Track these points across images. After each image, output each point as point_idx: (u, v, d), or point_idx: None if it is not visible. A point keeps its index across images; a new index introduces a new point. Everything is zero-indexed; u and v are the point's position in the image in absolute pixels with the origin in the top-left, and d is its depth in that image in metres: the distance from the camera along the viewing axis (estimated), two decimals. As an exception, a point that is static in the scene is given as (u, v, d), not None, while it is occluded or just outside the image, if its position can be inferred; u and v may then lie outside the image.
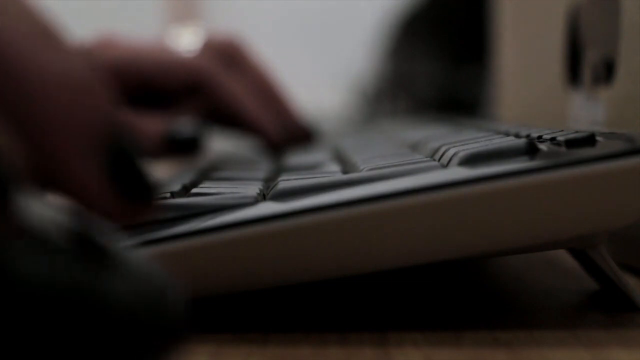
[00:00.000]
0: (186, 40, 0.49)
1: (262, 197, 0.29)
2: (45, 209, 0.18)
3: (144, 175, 0.21)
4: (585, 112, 0.40)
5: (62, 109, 0.21)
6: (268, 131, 0.50)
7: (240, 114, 0.49)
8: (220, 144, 0.62)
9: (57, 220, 0.18)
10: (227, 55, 0.50)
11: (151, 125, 0.47)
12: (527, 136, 0.32)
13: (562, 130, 0.31)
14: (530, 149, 0.28)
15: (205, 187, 0.30)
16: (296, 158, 0.39)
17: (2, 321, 0.16)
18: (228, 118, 0.49)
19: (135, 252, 0.19)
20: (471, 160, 0.27)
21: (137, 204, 0.21)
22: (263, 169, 0.36)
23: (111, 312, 0.17)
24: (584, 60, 0.40)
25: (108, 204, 0.21)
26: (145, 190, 0.21)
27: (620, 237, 0.35)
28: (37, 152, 0.21)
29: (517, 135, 0.33)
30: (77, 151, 0.21)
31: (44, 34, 0.22)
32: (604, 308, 0.29)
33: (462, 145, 0.30)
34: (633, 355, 0.24)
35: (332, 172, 0.32)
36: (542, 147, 0.28)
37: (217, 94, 0.49)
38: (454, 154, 0.28)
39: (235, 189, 0.29)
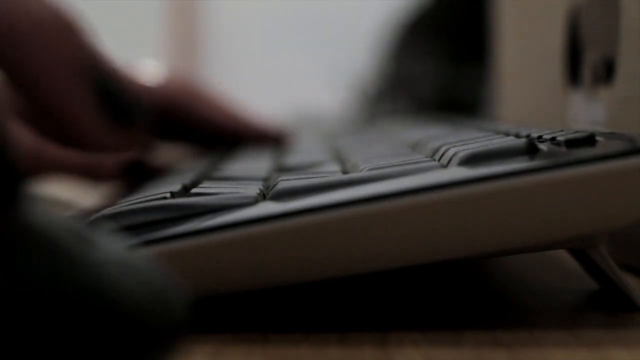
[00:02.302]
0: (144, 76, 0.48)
1: (262, 197, 0.29)
2: (50, 207, 0.18)
3: (127, 100, 0.22)
4: (585, 112, 0.40)
5: (45, 44, 0.22)
6: (269, 128, 0.50)
7: (234, 123, 0.49)
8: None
9: (62, 218, 0.18)
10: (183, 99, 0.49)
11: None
12: (527, 136, 0.32)
13: (562, 130, 0.31)
14: (530, 149, 0.28)
15: (205, 187, 0.30)
16: (296, 158, 0.39)
17: (8, 319, 0.16)
18: (217, 132, 0.49)
19: (137, 251, 0.19)
20: (471, 160, 0.27)
21: (124, 128, 0.22)
22: (263, 168, 0.36)
23: (114, 310, 0.17)
24: (584, 60, 0.40)
25: (97, 130, 0.22)
26: (130, 114, 0.22)
27: (620, 237, 0.35)
28: (30, 90, 0.22)
29: (517, 135, 0.33)
30: (63, 81, 0.22)
31: None
32: (604, 308, 0.29)
33: (462, 145, 0.30)
34: (633, 355, 0.24)
35: (332, 172, 0.32)
36: (542, 147, 0.28)
37: (198, 110, 0.48)
38: (454, 154, 0.28)
39: (235, 189, 0.29)
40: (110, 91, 0.23)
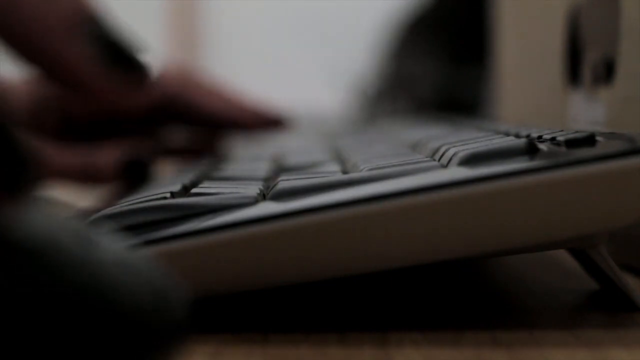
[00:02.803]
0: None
1: (262, 197, 0.29)
2: (50, 207, 0.18)
3: (129, 49, 0.23)
4: (585, 112, 0.40)
5: (37, 0, 0.22)
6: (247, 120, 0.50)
7: (218, 116, 0.49)
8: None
9: (62, 218, 0.18)
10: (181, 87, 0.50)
11: (109, 155, 0.45)
12: (527, 136, 0.32)
13: (562, 130, 0.31)
14: (530, 149, 0.28)
15: (205, 187, 0.30)
16: (296, 158, 0.39)
17: (9, 319, 0.16)
18: (205, 122, 0.50)
19: (137, 251, 0.19)
20: (471, 160, 0.27)
21: (127, 76, 0.22)
22: (263, 168, 0.36)
23: (115, 310, 0.17)
24: (584, 60, 0.40)
25: (100, 81, 0.22)
26: (132, 63, 0.23)
27: (620, 237, 0.35)
28: (25, 48, 0.22)
29: (517, 135, 0.33)
30: (59, 36, 0.22)
31: None
32: (604, 308, 0.29)
33: (462, 145, 0.30)
34: (633, 355, 0.24)
35: (332, 172, 0.32)
36: (542, 147, 0.28)
37: (192, 104, 0.48)
38: (454, 154, 0.28)
39: (235, 189, 0.29)
40: (111, 43, 0.24)
